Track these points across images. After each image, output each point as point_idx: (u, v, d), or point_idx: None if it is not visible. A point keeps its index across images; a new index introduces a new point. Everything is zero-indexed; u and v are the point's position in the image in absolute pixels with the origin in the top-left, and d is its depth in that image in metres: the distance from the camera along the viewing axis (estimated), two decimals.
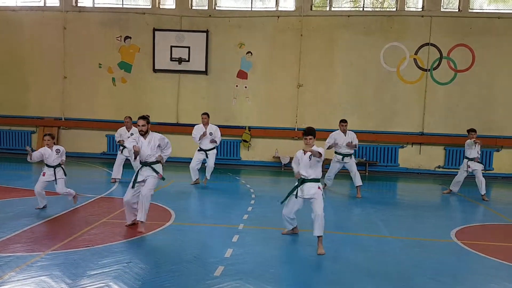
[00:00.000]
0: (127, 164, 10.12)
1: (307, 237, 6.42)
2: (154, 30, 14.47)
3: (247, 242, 6.25)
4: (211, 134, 10.45)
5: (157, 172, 6.62)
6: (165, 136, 6.87)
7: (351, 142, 9.89)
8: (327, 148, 9.81)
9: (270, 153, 14.60)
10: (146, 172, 6.59)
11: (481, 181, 10.01)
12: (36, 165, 7.43)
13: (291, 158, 13.85)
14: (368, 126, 14.13)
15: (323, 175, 6.89)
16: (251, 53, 14.47)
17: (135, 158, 6.58)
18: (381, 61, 14.01)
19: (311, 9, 14.27)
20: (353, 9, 14.59)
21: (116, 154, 10.73)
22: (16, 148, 15.24)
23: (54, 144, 7.68)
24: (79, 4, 14.99)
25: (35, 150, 7.68)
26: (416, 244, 6.54)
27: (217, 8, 14.61)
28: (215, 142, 10.51)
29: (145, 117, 6.70)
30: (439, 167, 14.18)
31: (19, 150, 15.11)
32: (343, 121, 10.08)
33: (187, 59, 14.35)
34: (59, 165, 7.63)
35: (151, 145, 6.61)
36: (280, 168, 14.19)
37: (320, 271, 5.31)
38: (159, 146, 6.70)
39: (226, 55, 14.52)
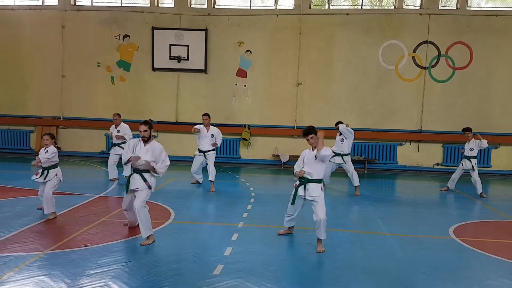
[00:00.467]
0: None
1: (306, 235, 6.45)
2: (153, 28, 14.46)
3: (246, 240, 6.26)
4: (212, 136, 10.17)
5: (145, 180, 6.08)
6: (164, 150, 6.28)
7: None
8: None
9: (270, 151, 14.62)
10: (137, 181, 6.08)
11: (475, 181, 10.16)
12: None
13: (291, 157, 13.90)
14: (367, 124, 14.16)
15: None
16: (250, 52, 14.47)
17: (126, 163, 6.25)
18: (380, 59, 14.02)
19: (309, 8, 14.27)
20: (352, 7, 14.59)
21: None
22: (14, 147, 15.21)
23: (54, 144, 7.35)
24: (77, 3, 14.96)
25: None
26: (414, 241, 6.57)
27: (216, 6, 14.60)
28: (216, 145, 10.23)
29: (147, 122, 6.21)
30: (437, 164, 14.21)
31: (18, 150, 15.11)
32: (336, 124, 10.24)
33: (186, 58, 14.34)
34: (52, 166, 7.19)
35: (148, 154, 6.08)
36: (279, 167, 14.21)
37: (319, 269, 5.34)
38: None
39: (225, 53, 14.52)
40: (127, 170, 9.54)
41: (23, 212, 7.37)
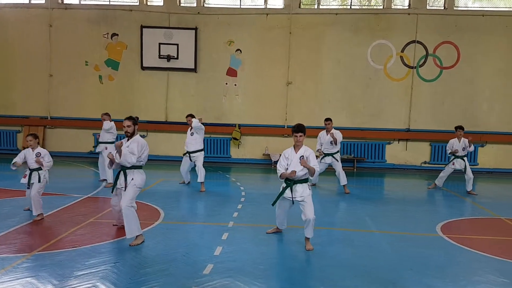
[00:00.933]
0: None
1: (295, 234, 6.48)
2: (142, 27, 14.39)
3: (236, 239, 6.27)
4: (193, 134, 9.85)
5: (126, 180, 5.97)
6: (147, 147, 6.17)
7: (333, 134, 9.81)
8: (317, 150, 9.97)
9: (260, 150, 14.64)
10: (122, 179, 6.04)
11: (470, 179, 10.25)
12: (24, 165, 7.30)
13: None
14: (356, 123, 14.25)
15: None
16: (240, 51, 14.47)
17: (111, 165, 6.09)
18: (369, 59, 14.11)
19: (299, 7, 14.31)
20: (341, 7, 14.65)
21: None
22: (0, 148, 15.05)
23: (38, 144, 7.25)
24: (65, 1, 14.82)
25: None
26: (402, 238, 6.63)
27: (205, 5, 14.57)
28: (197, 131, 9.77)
29: (132, 118, 6.12)
30: (425, 162, 14.35)
31: (4, 150, 14.96)
32: (326, 120, 10.13)
33: (175, 57, 14.30)
34: (40, 168, 7.11)
35: (129, 149, 5.96)
36: (270, 166, 14.23)
37: (309, 267, 5.36)
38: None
39: (215, 52, 14.50)
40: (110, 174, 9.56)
41: (10, 213, 7.29)
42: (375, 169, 14.23)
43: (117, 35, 14.69)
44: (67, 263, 5.16)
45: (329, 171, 10.92)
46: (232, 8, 14.48)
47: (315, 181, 10.42)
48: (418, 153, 14.35)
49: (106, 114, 10.48)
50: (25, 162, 7.16)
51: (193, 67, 14.44)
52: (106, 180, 10.06)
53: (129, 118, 6.11)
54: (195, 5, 14.52)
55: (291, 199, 5.91)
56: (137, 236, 5.93)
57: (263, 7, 14.45)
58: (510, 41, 13.72)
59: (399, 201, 9.67)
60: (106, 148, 9.85)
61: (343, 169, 10.14)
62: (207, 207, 8.58)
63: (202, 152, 9.98)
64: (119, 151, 5.93)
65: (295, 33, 14.24)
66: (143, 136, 14.68)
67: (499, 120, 13.97)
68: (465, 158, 10.39)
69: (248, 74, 14.54)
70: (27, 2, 14.89)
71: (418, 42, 13.97)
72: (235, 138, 14.54)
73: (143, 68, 14.62)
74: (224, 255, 5.60)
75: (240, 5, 14.56)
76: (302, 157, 5.80)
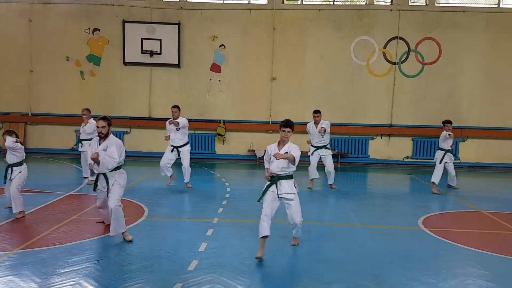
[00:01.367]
0: None
1: (280, 229, 6.49)
2: (124, 22, 14.22)
3: (221, 235, 6.28)
4: (178, 126, 9.45)
5: (107, 183, 5.85)
6: (123, 146, 6.04)
7: (322, 127, 9.58)
8: (308, 141, 9.90)
9: (245, 146, 14.65)
10: (104, 183, 5.90)
11: (452, 174, 10.22)
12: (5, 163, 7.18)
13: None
14: (339, 118, 14.34)
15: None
16: (224, 46, 14.42)
17: (93, 174, 5.90)
18: (351, 55, 14.21)
19: (283, 3, 14.32)
20: (324, 3, 14.70)
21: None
22: None
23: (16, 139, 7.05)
24: None
25: None
26: (385, 232, 6.73)
27: (188, 0, 14.47)
28: (176, 124, 9.43)
29: (106, 118, 5.85)
30: (407, 157, 14.56)
31: None
32: (315, 112, 9.85)
33: (158, 52, 14.18)
34: (16, 164, 6.96)
35: (102, 150, 5.81)
36: (255, 162, 14.26)
37: (294, 261, 5.40)
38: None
39: (199, 48, 14.43)
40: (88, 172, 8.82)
41: None
42: (359, 164, 14.37)
43: (99, 30, 14.50)
44: (49, 261, 5.11)
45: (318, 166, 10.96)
46: (216, 3, 14.41)
47: (316, 176, 9.90)
48: (400, 148, 14.54)
49: (87, 109, 10.17)
50: None
51: (176, 62, 14.34)
52: (87, 177, 9.89)
53: (104, 118, 5.84)
54: (177, 0, 14.41)
55: (277, 194, 5.62)
56: (123, 232, 5.88)
57: (247, 2, 14.42)
58: (490, 37, 13.96)
59: (382, 196, 9.81)
60: (89, 145, 9.64)
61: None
62: (191, 203, 8.57)
63: (189, 146, 9.71)
64: (96, 162, 5.71)
65: (279, 29, 14.25)
66: (125, 133, 14.72)
67: (480, 115, 14.23)
68: (450, 153, 10.18)
69: (232, 69, 14.51)
70: None
71: (400, 38, 14.12)
72: (219, 134, 14.51)
73: (125, 63, 14.47)
74: (209, 251, 5.60)
75: (224, 0, 14.49)
76: (286, 153, 5.56)
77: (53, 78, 14.63)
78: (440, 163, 9.96)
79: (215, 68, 14.53)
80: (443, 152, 9.99)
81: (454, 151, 10.31)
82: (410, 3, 14.14)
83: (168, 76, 14.57)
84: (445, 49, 14.05)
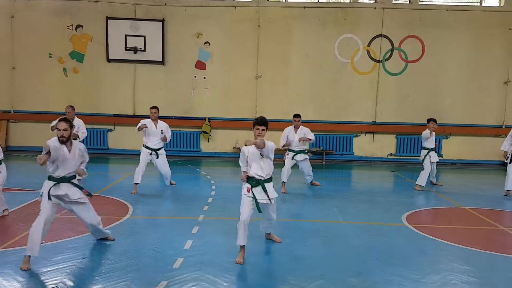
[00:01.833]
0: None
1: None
2: (107, 18, 14.06)
3: (207, 233, 6.27)
4: (162, 132, 9.12)
5: (81, 188, 5.31)
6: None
7: (304, 135, 9.36)
8: (282, 147, 9.45)
9: (231, 144, 14.63)
10: (70, 190, 5.21)
11: (434, 171, 10.34)
12: None
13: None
14: (324, 116, 14.43)
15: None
16: (209, 43, 14.36)
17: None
18: (336, 53, 14.29)
19: (267, 0, 14.31)
20: (309, 0, 14.74)
21: None
22: None
23: None
24: None
25: None
26: (369, 228, 6.80)
27: None
28: (166, 139, 9.18)
29: (68, 120, 5.16)
30: (391, 154, 14.71)
31: None
32: (296, 116, 9.55)
33: (142, 49, 14.07)
34: None
35: (76, 159, 5.24)
36: None
37: (278, 258, 5.42)
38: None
39: (184, 45, 14.34)
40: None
41: None
42: (343, 162, 14.48)
43: (82, 26, 14.31)
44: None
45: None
46: (200, 0, 14.34)
47: (285, 179, 9.41)
48: (384, 145, 14.69)
49: (71, 107, 9.79)
50: None
51: (161, 59, 14.24)
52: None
53: (66, 120, 5.14)
54: None
55: (266, 200, 5.40)
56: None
57: None
58: (472, 35, 14.17)
59: (366, 192, 9.89)
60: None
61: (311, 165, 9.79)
62: (176, 201, 8.53)
63: (164, 150, 9.36)
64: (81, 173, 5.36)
65: (264, 26, 14.24)
66: (109, 131, 14.57)
67: (462, 113, 14.44)
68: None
69: (217, 67, 14.46)
70: None
71: (384, 36, 14.24)
72: (205, 132, 14.47)
73: (109, 60, 14.31)
74: (194, 248, 5.59)
75: None
76: (261, 153, 5.41)
77: (35, 75, 14.39)
78: (423, 161, 10.01)
79: (200, 65, 14.47)
80: (426, 151, 10.05)
81: (437, 149, 10.34)
82: (393, 1, 14.27)
83: (152, 73, 14.46)
84: (428, 47, 14.22)
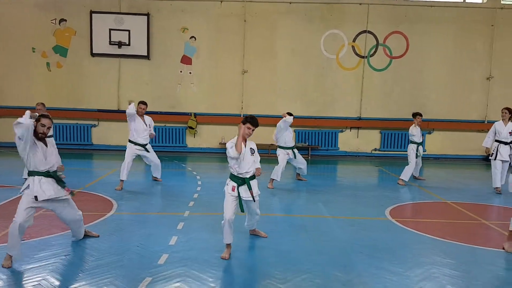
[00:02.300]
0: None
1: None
2: (91, 12, 13.89)
3: (192, 228, 6.25)
4: (148, 126, 9.11)
5: (63, 186, 5.15)
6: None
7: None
8: (276, 138, 9.49)
9: (217, 139, 14.60)
10: (53, 188, 5.04)
11: (419, 165, 10.42)
12: None
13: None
14: (310, 111, 14.49)
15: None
16: (195, 38, 14.28)
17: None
18: (322, 48, 14.34)
19: None
20: None
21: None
22: None
23: None
24: None
25: None
26: (353, 222, 6.86)
27: None
28: (153, 135, 9.30)
29: (49, 116, 5.11)
30: (375, 149, 14.85)
31: None
32: (289, 114, 9.31)
33: (127, 43, 13.93)
34: None
35: (54, 155, 5.12)
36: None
37: (264, 253, 5.43)
38: None
39: (169, 39, 14.24)
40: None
41: None
42: (329, 157, 14.57)
43: (65, 20, 14.11)
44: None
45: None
46: None
47: (279, 179, 9.36)
48: (369, 141, 14.83)
49: (42, 104, 9.35)
50: None
51: (146, 54, 14.12)
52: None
53: (48, 116, 5.07)
54: None
55: (252, 198, 5.38)
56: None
57: None
58: (456, 31, 14.36)
59: (351, 187, 9.97)
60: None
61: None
62: (162, 197, 8.49)
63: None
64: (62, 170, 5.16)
65: (250, 22, 14.21)
66: (93, 126, 14.41)
67: (445, 108, 14.64)
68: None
69: (203, 62, 14.39)
70: None
71: (369, 32, 14.33)
72: (190, 127, 14.41)
73: (93, 54, 14.14)
74: (179, 244, 5.57)
75: None
76: (252, 150, 5.41)
77: (18, 70, 14.17)
78: (416, 157, 10.10)
79: (186, 60, 14.38)
80: (415, 145, 10.14)
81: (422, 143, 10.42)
82: None
83: (137, 67, 14.33)
84: (413, 43, 14.36)
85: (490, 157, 9.47)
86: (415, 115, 10.25)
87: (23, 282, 4.38)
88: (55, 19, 14.10)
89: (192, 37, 14.27)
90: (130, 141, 9.07)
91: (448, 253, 5.57)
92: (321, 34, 14.28)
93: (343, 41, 14.35)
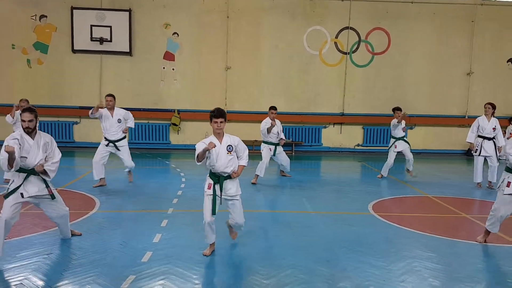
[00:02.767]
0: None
1: None
2: (72, 8, 13.66)
3: (176, 226, 6.24)
4: (119, 121, 8.61)
5: (47, 186, 5.07)
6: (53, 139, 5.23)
7: (280, 138, 9.53)
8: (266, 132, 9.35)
9: (200, 136, 14.22)
10: (37, 184, 5.00)
11: (410, 159, 10.23)
12: None
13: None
14: (294, 108, 14.54)
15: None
16: (178, 34, 14.18)
17: (10, 165, 4.76)
18: (305, 45, 14.38)
19: None
20: None
21: None
22: None
23: None
24: None
25: None
26: (337, 217, 6.94)
27: None
28: (126, 131, 8.74)
29: (33, 110, 4.99)
30: (358, 145, 15.00)
31: None
32: (273, 108, 9.45)
33: (109, 39, 13.75)
34: None
35: (40, 151, 4.97)
36: None
37: (248, 249, 5.45)
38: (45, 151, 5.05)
39: (151, 35, 14.11)
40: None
41: None
42: (312, 152, 14.66)
43: (46, 16, 13.85)
44: None
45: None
46: None
47: (262, 175, 9.39)
48: (351, 136, 14.96)
49: (26, 100, 9.20)
50: None
51: (128, 50, 13.96)
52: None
53: (30, 110, 4.95)
54: None
55: (224, 197, 5.15)
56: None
57: None
58: (436, 27, 14.55)
59: (334, 183, 10.06)
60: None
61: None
62: (145, 194, 8.42)
63: (126, 141, 8.86)
64: (41, 171, 4.96)
65: (233, 18, 14.16)
66: (75, 123, 14.22)
67: (427, 104, 14.85)
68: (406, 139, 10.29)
69: (186, 58, 14.31)
70: None
71: (351, 28, 14.42)
72: (174, 124, 14.32)
73: (74, 51, 13.93)
74: (163, 242, 5.56)
75: None
76: (230, 147, 5.10)
77: None
78: (389, 150, 10.23)
79: (169, 56, 14.27)
80: (394, 140, 10.20)
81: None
82: None
83: (119, 64, 14.17)
84: (394, 39, 14.51)
85: (474, 153, 9.58)
86: (394, 110, 10.32)
87: (5, 282, 4.32)
88: (35, 15, 13.83)
89: (174, 33, 14.17)
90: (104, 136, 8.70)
91: (430, 246, 5.67)
92: (304, 30, 14.32)
93: (326, 38, 14.42)
